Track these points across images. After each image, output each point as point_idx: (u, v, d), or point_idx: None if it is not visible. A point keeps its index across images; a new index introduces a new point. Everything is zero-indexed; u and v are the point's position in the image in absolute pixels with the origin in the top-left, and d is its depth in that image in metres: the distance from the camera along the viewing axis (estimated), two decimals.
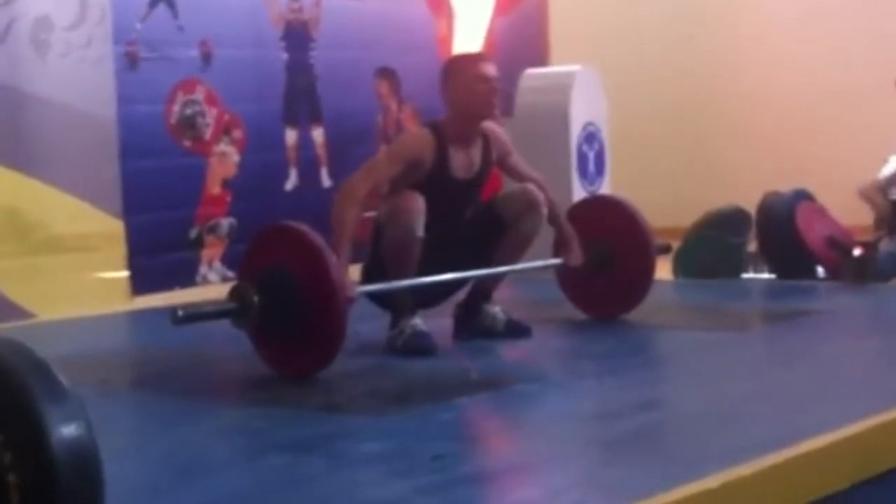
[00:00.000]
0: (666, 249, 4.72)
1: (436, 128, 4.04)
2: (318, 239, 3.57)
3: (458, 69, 4.09)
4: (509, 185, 4.47)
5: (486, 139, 4.12)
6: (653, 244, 4.37)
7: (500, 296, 4.29)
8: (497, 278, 4.22)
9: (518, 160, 4.26)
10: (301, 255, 3.57)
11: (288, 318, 3.54)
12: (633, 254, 4.34)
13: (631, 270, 4.34)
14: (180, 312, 3.55)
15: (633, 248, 4.35)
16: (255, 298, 3.55)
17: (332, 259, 3.53)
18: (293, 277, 3.53)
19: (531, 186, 4.11)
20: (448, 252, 3.99)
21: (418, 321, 3.96)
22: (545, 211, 4.09)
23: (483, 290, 4.19)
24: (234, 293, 3.63)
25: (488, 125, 4.14)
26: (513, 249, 4.12)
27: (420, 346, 3.89)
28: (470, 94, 4.00)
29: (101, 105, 5.22)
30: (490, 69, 4.05)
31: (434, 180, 3.96)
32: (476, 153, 4.09)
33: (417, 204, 3.85)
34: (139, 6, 5.38)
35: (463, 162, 4.05)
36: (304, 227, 3.62)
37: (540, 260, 4.36)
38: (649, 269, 4.37)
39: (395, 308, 4.01)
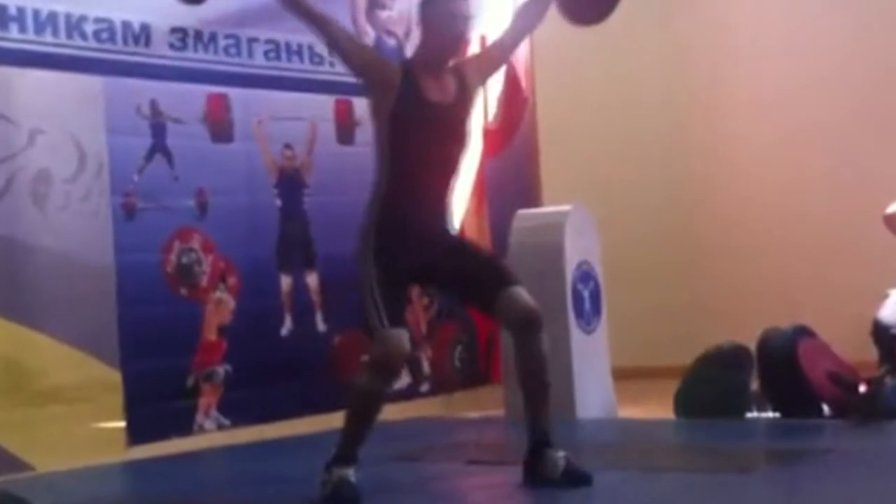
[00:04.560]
0: None
1: (404, 61, 4.12)
2: None
3: (434, 4, 4.08)
4: None
5: (459, 71, 4.11)
6: None
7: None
8: (543, 412, 4.11)
9: (492, 43, 4.31)
10: None
11: None
12: None
13: None
14: None
15: None
16: None
17: None
18: None
19: (533, 305, 4.02)
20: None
21: (350, 472, 3.92)
22: (544, 335, 4.03)
23: (540, 432, 4.10)
24: None
25: (457, 61, 4.15)
26: (537, 386, 4.06)
27: (343, 498, 3.86)
28: (442, 30, 4.03)
29: (99, 255, 5.26)
30: (464, 7, 4.07)
31: (408, 104, 3.96)
32: (450, 82, 4.08)
33: (397, 364, 3.91)
34: (136, 158, 5.46)
35: (435, 87, 4.03)
36: None
37: None
38: None
39: (337, 453, 3.97)
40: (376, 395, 3.92)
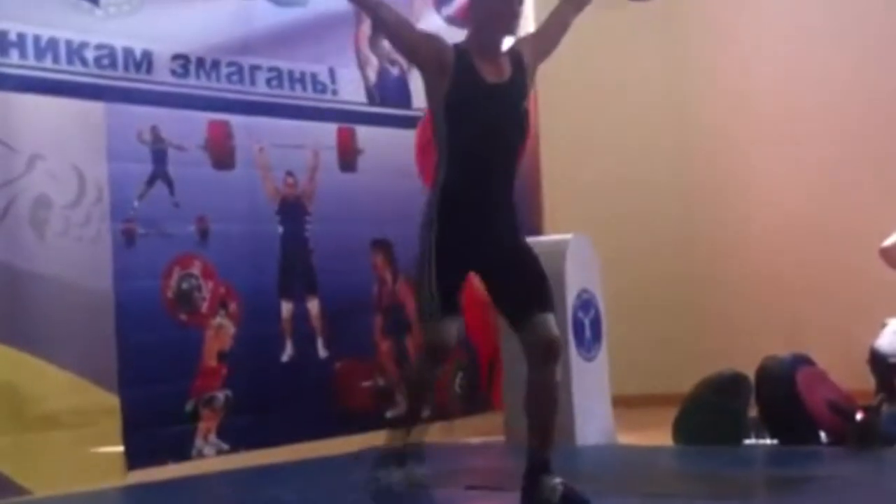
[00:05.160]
0: None
1: (457, 44, 4.01)
2: None
3: None
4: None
5: (514, 52, 4.06)
6: None
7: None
8: (547, 439, 4.11)
9: (546, 21, 4.21)
10: None
11: None
12: None
13: None
14: None
15: None
16: None
17: None
18: None
19: (557, 336, 4.02)
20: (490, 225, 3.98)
21: (399, 475, 3.96)
22: (559, 366, 4.04)
23: (539, 458, 4.07)
24: None
25: (511, 42, 4.09)
26: (543, 413, 4.06)
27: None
28: (494, 12, 3.98)
29: (99, 281, 5.26)
30: None
31: (464, 86, 3.90)
32: (504, 62, 4.02)
33: (445, 352, 3.96)
34: (136, 185, 5.47)
35: (490, 69, 3.97)
36: None
37: None
38: None
39: (389, 450, 3.99)
40: (426, 380, 4.11)
